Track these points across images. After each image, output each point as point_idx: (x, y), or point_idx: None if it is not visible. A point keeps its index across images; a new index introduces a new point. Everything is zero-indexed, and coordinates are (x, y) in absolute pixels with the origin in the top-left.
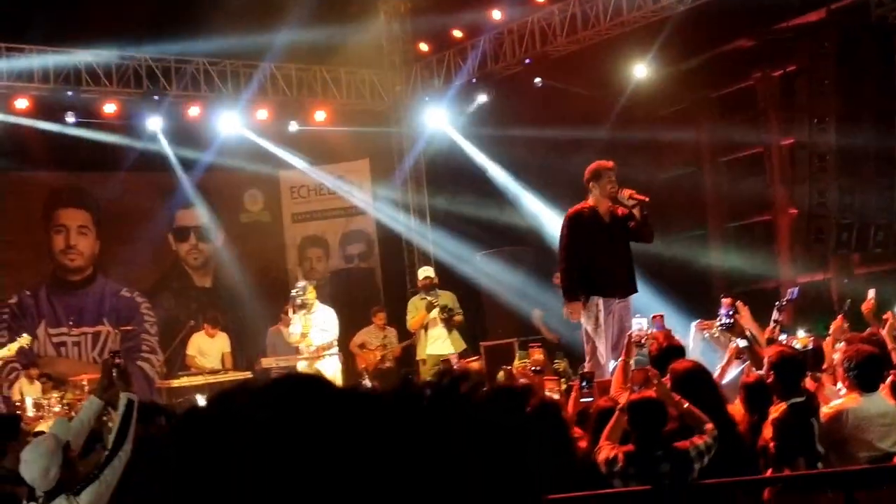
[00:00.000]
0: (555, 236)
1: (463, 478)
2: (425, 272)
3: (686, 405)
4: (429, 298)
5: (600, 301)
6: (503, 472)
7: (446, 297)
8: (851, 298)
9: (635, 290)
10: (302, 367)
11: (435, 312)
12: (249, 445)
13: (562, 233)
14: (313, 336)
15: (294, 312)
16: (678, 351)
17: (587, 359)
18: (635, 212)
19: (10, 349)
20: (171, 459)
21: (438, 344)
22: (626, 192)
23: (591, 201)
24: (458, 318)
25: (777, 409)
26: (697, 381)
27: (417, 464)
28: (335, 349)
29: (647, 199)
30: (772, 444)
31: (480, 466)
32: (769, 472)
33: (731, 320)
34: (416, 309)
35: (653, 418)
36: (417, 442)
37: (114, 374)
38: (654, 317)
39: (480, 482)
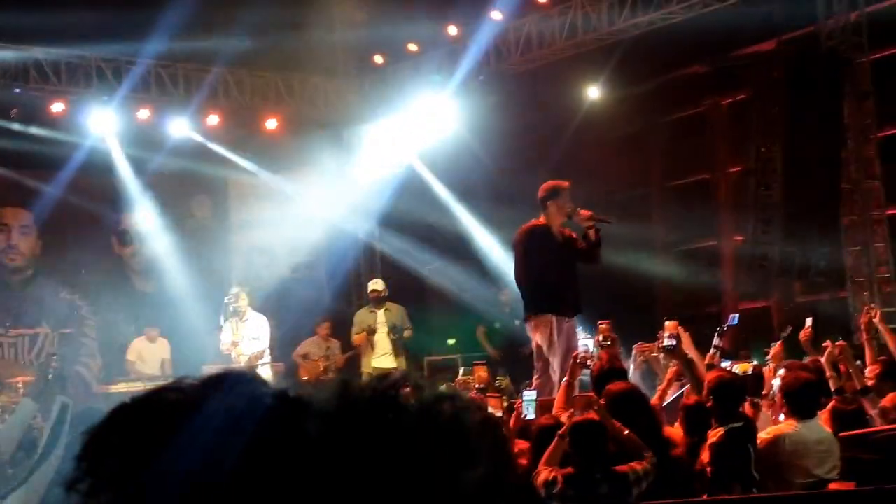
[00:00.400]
0: (500, 253)
1: (398, 485)
2: (374, 285)
3: (626, 432)
4: (377, 312)
5: (553, 319)
6: (441, 479)
7: (395, 311)
8: (792, 326)
9: (580, 311)
10: None
11: (382, 332)
12: (178, 443)
13: (516, 249)
14: (243, 346)
15: (225, 320)
16: (620, 374)
17: (536, 376)
18: (590, 233)
19: None
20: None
21: (384, 359)
22: (585, 213)
23: (543, 219)
24: (408, 333)
25: (715, 434)
26: (632, 403)
27: (355, 467)
28: (267, 358)
29: (610, 221)
30: (708, 469)
31: (419, 473)
32: (704, 497)
33: (674, 342)
34: (361, 322)
35: (594, 441)
36: (355, 446)
37: (49, 378)
38: (600, 324)
39: (417, 489)
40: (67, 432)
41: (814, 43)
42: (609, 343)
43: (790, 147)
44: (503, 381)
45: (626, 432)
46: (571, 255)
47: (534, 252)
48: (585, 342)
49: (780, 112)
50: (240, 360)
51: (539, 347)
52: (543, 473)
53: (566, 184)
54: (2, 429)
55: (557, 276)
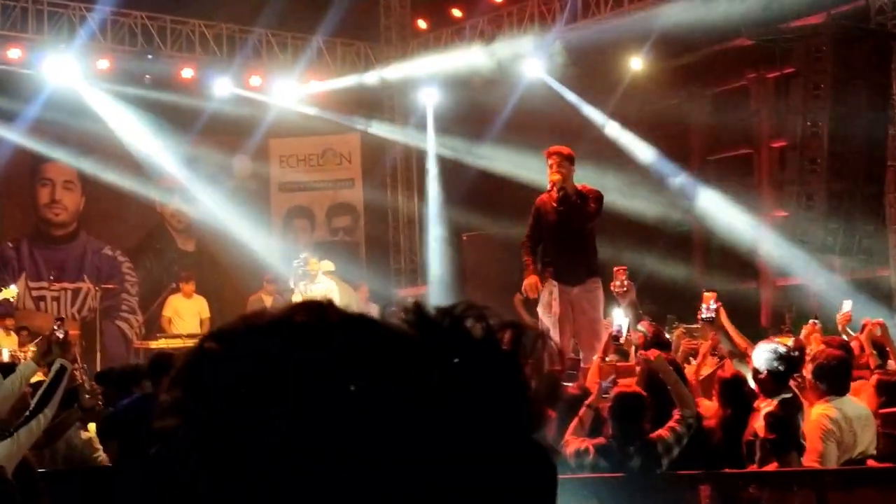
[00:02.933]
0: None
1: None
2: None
3: (676, 381)
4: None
5: (555, 287)
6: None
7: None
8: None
9: (590, 277)
10: None
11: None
12: (266, 374)
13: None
14: None
15: (295, 284)
16: (664, 346)
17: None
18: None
19: None
20: (179, 407)
21: None
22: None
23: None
24: None
25: (769, 404)
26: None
27: (440, 389)
28: None
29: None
30: (766, 437)
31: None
32: (754, 467)
33: (713, 314)
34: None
35: (635, 413)
36: (439, 368)
37: (54, 340)
38: (616, 269)
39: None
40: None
41: (863, 18)
42: (625, 289)
43: (836, 123)
44: None
45: (676, 381)
46: (571, 225)
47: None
48: (619, 322)
49: (826, 87)
50: None
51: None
52: (574, 444)
53: (568, 151)
54: (2, 385)
55: (555, 245)
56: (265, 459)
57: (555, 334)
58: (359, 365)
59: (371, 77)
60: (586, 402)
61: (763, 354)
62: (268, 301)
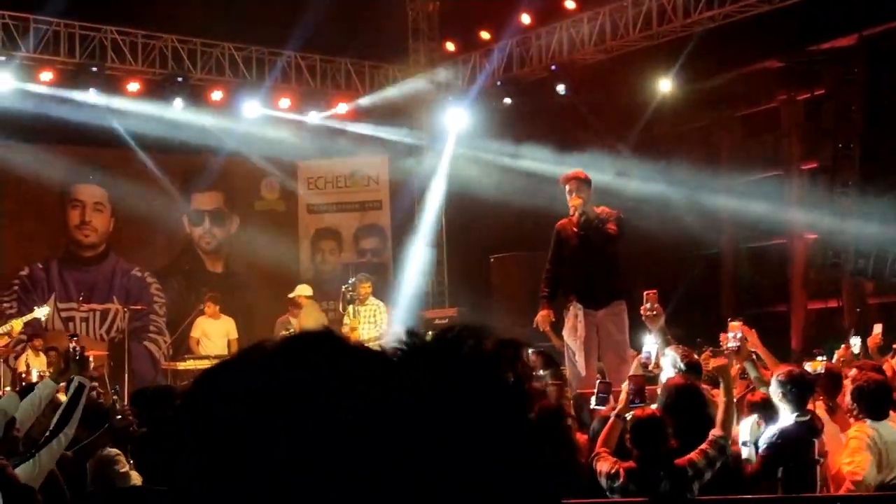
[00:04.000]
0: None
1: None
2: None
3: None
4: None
5: (580, 311)
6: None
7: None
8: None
9: (615, 300)
10: None
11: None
12: (265, 402)
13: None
14: (362, 331)
15: (343, 309)
16: (698, 371)
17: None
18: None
19: (17, 323)
20: (187, 428)
21: None
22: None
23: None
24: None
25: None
26: (689, 398)
27: (433, 414)
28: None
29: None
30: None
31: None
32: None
33: (738, 344)
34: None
35: (654, 435)
36: (432, 393)
37: (72, 358)
38: (646, 292)
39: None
40: (81, 412)
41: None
42: (655, 313)
43: (868, 145)
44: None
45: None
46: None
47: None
48: (648, 349)
49: (858, 110)
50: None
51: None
52: (606, 462)
53: (584, 176)
54: (22, 404)
55: (576, 267)
56: (265, 476)
57: (580, 359)
58: (335, 388)
59: (399, 99)
60: (615, 411)
61: (781, 375)
62: (294, 323)
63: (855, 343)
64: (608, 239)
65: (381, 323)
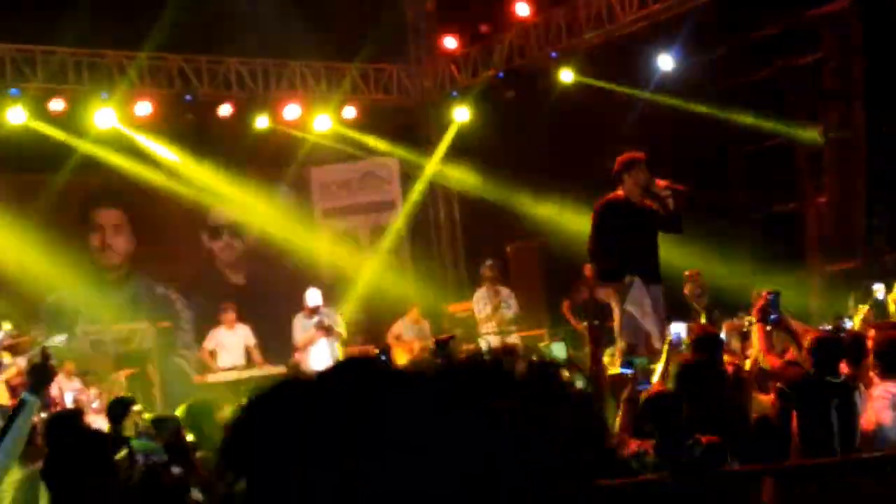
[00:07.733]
0: (581, 231)
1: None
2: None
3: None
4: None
5: (642, 285)
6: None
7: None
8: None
9: (660, 280)
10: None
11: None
12: (315, 431)
13: (594, 222)
14: (504, 310)
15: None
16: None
17: (627, 340)
18: (669, 201)
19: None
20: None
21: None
22: (662, 183)
23: (621, 192)
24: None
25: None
26: (701, 375)
27: (475, 435)
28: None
29: (683, 189)
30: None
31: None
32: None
33: (778, 315)
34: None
35: (667, 410)
36: (473, 415)
37: (35, 370)
38: (688, 273)
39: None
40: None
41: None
42: (700, 291)
43: (872, 108)
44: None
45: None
46: (651, 226)
47: (609, 225)
48: (677, 330)
49: (858, 74)
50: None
51: (630, 312)
52: (630, 445)
53: (641, 155)
54: (20, 425)
55: (637, 245)
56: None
57: (649, 324)
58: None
59: (405, 100)
60: (623, 397)
61: (810, 342)
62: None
63: (879, 289)
64: (657, 218)
65: (513, 305)
